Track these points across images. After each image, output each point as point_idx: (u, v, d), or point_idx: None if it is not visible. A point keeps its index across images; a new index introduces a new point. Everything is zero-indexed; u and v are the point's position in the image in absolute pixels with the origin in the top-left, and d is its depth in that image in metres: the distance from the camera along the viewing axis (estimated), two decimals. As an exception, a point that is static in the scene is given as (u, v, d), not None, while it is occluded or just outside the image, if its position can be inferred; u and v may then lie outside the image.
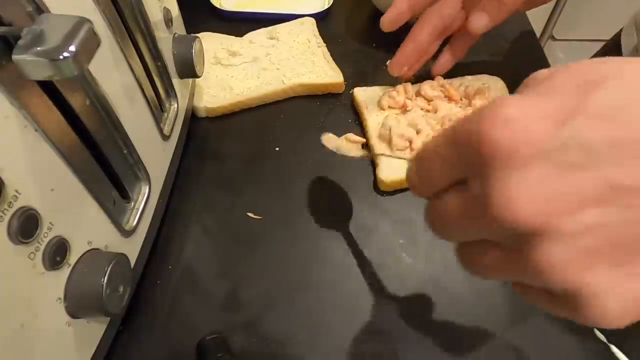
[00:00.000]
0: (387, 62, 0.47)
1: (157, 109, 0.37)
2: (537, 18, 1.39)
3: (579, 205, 0.17)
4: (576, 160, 0.17)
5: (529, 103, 0.18)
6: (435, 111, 0.45)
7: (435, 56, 0.48)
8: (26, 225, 0.22)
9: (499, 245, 0.20)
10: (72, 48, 0.19)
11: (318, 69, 0.51)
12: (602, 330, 0.34)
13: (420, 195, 0.23)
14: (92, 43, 0.20)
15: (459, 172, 0.20)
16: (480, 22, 0.43)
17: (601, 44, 0.66)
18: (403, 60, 0.46)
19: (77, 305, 0.26)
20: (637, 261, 0.18)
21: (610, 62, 0.18)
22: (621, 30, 0.60)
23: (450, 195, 0.21)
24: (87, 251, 0.27)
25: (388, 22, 0.44)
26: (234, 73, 0.51)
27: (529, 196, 0.17)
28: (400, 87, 0.48)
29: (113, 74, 0.30)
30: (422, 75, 0.49)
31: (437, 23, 0.44)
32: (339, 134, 0.47)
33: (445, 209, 0.21)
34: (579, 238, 0.17)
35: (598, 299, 0.18)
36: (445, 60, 0.48)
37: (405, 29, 0.47)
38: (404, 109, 0.46)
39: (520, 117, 0.18)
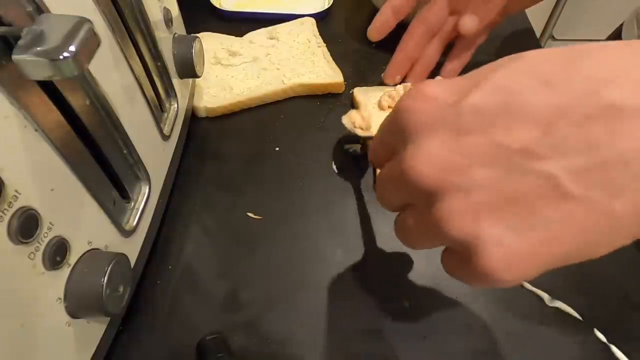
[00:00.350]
0: (382, 75, 0.48)
1: (157, 109, 0.37)
2: (537, 18, 1.39)
3: (469, 164, 0.19)
4: (469, 125, 0.20)
5: (443, 83, 0.22)
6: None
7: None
8: (26, 225, 0.22)
9: (416, 209, 0.23)
10: (72, 48, 0.19)
11: (318, 69, 0.51)
12: (602, 330, 0.34)
13: (387, 208, 0.26)
14: (92, 43, 0.20)
15: (390, 144, 0.24)
16: (470, 24, 0.44)
17: (601, 44, 0.66)
18: (395, 70, 0.48)
19: (77, 305, 0.26)
20: (522, 217, 0.19)
21: (524, 53, 0.21)
22: (622, 24, 0.60)
23: (386, 165, 0.24)
24: (87, 251, 0.27)
25: (374, 32, 0.45)
26: (234, 73, 0.51)
27: (429, 158, 0.20)
28: (400, 87, 0.48)
29: (113, 74, 0.30)
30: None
31: (422, 30, 0.45)
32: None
33: (381, 177, 0.25)
34: (470, 193, 0.19)
35: (486, 249, 0.19)
36: (451, 68, 0.49)
37: (403, 28, 0.47)
38: None
39: (432, 93, 0.21)
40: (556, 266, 0.20)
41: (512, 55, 0.21)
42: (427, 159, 0.20)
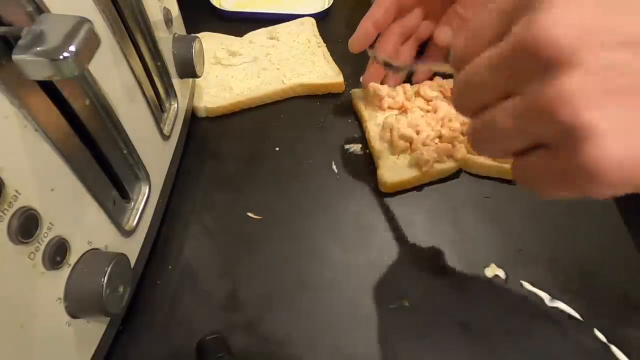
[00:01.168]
0: (361, 79, 0.50)
1: (157, 109, 0.37)
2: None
3: (613, 42, 0.17)
4: (620, 5, 0.18)
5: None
6: (435, 111, 0.45)
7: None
8: (26, 225, 0.22)
9: (515, 95, 0.20)
10: (72, 48, 0.19)
11: (318, 69, 0.51)
12: (602, 330, 0.34)
13: (459, 61, 0.23)
14: (92, 43, 0.20)
15: (507, 21, 0.20)
16: (445, 36, 0.45)
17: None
18: (370, 73, 0.48)
19: (77, 305, 0.26)
20: None
21: None
22: None
23: (488, 50, 0.21)
24: (87, 251, 0.27)
25: (356, 43, 0.45)
26: (234, 73, 0.51)
27: (567, 21, 0.17)
28: (399, 88, 0.48)
29: (113, 74, 0.30)
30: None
31: (399, 32, 0.46)
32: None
33: (478, 61, 0.21)
34: (601, 74, 0.17)
35: (599, 138, 0.17)
36: (424, 70, 0.49)
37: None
38: (403, 110, 0.46)
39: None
40: None
41: None
42: (566, 19, 0.17)
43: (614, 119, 0.17)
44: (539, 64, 0.18)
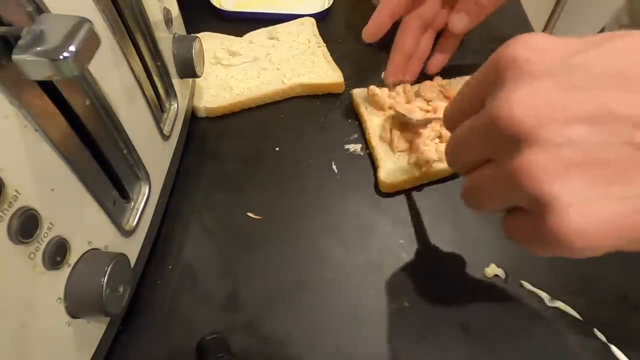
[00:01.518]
0: (382, 75, 0.48)
1: (157, 109, 0.37)
2: (537, 18, 1.39)
3: (569, 119, 0.18)
4: (579, 82, 0.19)
5: (553, 39, 0.21)
6: (435, 112, 0.45)
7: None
8: (26, 225, 0.22)
9: (493, 162, 0.22)
10: (72, 48, 0.19)
11: (318, 69, 0.51)
12: (602, 330, 0.34)
13: (448, 127, 0.26)
14: (92, 43, 0.20)
15: (481, 95, 0.23)
16: (460, 24, 0.45)
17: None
18: (395, 70, 0.48)
19: (77, 305, 0.26)
20: (611, 185, 0.18)
21: (634, 31, 0.20)
22: (603, 29, 0.61)
23: (468, 119, 0.23)
24: (87, 251, 0.27)
25: (369, 34, 0.45)
26: (234, 73, 0.51)
27: (527, 101, 0.19)
28: (399, 88, 0.48)
29: (113, 74, 0.30)
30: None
31: (418, 25, 0.45)
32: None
33: (459, 130, 0.24)
34: (561, 149, 0.18)
35: (564, 209, 0.18)
36: (438, 59, 0.49)
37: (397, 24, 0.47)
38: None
39: (542, 44, 0.21)
40: (630, 248, 0.19)
41: (619, 32, 0.20)
42: (526, 100, 0.19)
43: (574, 191, 0.18)
44: (505, 139, 0.20)
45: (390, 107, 0.47)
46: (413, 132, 0.43)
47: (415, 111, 0.43)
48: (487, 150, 0.22)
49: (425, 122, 0.43)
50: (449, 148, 0.25)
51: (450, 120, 0.26)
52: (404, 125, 0.44)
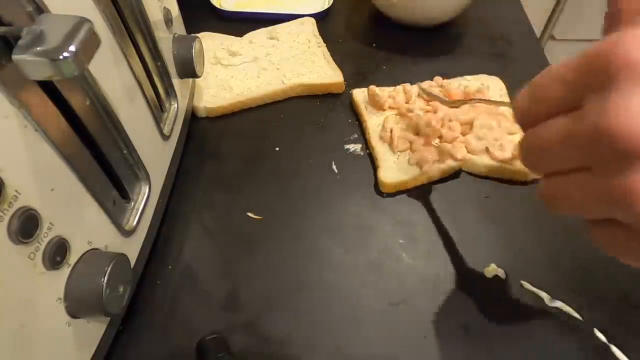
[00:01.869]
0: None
1: (157, 109, 0.37)
2: (537, 18, 1.39)
3: None
4: None
5: None
6: (435, 111, 0.45)
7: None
8: (26, 225, 0.22)
9: (588, 170, 0.19)
10: (72, 48, 0.19)
11: (318, 69, 0.51)
12: (602, 330, 0.34)
13: (523, 123, 0.23)
14: (92, 43, 0.20)
15: (576, 93, 0.20)
16: None
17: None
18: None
19: (77, 305, 0.26)
20: None
21: None
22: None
23: (557, 119, 0.20)
24: (87, 251, 0.27)
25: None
26: (234, 73, 0.51)
27: None
28: (399, 88, 0.48)
29: (113, 74, 0.30)
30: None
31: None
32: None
33: (548, 131, 0.21)
34: None
35: None
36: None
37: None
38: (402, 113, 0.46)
39: None
40: None
41: None
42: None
43: None
44: (615, 153, 0.18)
45: (389, 108, 0.46)
46: (425, 132, 0.43)
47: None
48: (585, 160, 0.20)
49: (461, 104, 0.42)
50: (529, 150, 0.22)
51: (527, 117, 0.22)
52: (413, 125, 0.44)
